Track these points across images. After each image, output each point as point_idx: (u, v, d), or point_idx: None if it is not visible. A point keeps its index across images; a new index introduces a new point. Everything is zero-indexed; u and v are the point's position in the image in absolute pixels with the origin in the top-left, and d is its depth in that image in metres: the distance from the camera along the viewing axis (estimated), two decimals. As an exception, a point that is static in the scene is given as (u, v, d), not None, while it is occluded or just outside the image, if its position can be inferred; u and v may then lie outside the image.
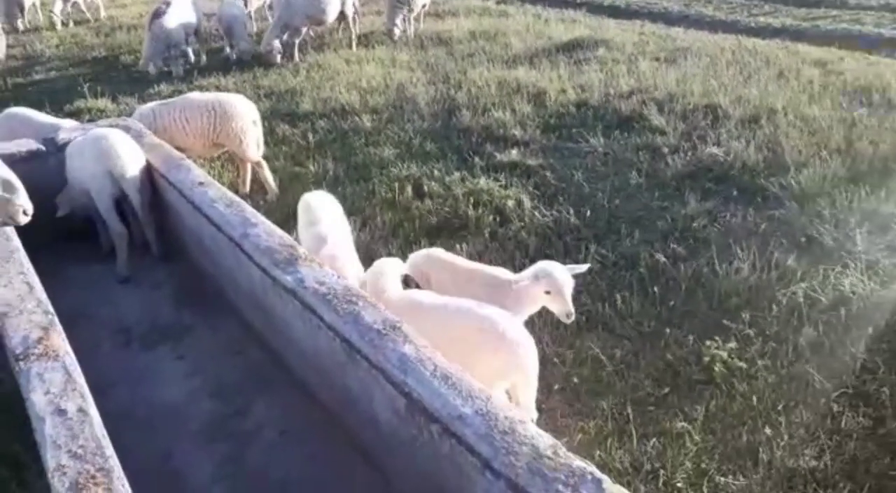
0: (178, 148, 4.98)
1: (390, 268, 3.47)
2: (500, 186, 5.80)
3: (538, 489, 1.87)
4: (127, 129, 4.96)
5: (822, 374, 3.54)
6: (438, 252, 3.81)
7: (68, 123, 5.45)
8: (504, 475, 1.95)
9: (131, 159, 4.42)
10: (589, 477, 1.88)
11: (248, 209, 3.66)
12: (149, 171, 4.51)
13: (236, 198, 3.83)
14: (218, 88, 9.54)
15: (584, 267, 3.45)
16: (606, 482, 1.87)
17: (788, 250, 4.52)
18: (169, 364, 3.83)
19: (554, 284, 3.23)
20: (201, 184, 4.02)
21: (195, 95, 6.04)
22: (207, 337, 3.97)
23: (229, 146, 5.82)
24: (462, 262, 3.75)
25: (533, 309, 3.45)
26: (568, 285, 3.26)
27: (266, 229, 3.41)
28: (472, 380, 2.28)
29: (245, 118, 5.75)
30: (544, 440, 2.00)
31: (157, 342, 4.00)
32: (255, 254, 3.25)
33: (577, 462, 1.93)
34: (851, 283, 4.11)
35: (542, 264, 3.37)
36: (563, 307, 3.25)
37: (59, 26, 13.46)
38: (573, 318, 3.29)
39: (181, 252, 4.54)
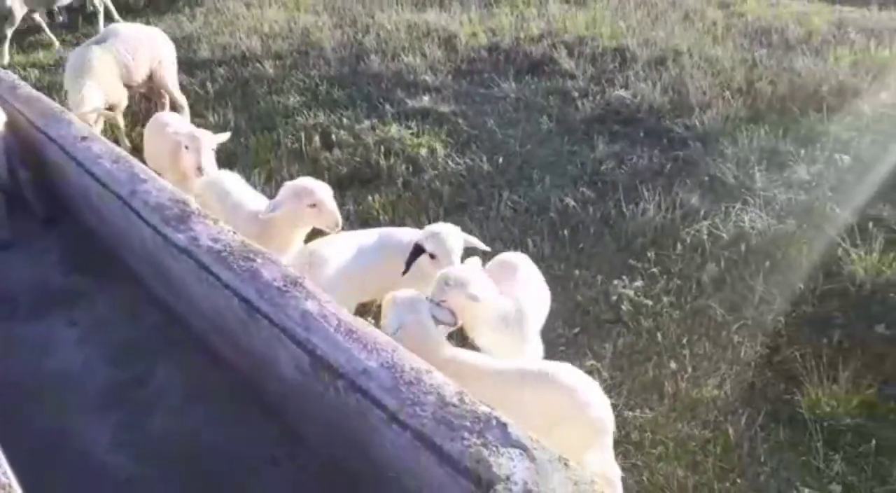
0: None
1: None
2: (412, 133, 5.67)
3: (443, 438, 1.84)
4: (-1, 80, 4.53)
5: (723, 307, 3.69)
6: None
7: None
8: (410, 426, 1.91)
9: None
10: (494, 422, 1.86)
11: (137, 164, 3.41)
12: (24, 125, 4.14)
13: (123, 153, 3.56)
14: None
15: None
16: (512, 425, 1.85)
17: (692, 190, 4.64)
18: (61, 332, 3.58)
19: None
20: (84, 138, 3.71)
21: (123, 27, 5.92)
22: (101, 302, 3.72)
23: (166, 76, 5.88)
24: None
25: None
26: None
27: (156, 185, 3.18)
28: (379, 332, 2.22)
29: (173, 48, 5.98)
30: (450, 389, 1.96)
31: (47, 310, 3.73)
32: (145, 212, 3.04)
33: (483, 408, 1.91)
34: (751, 219, 4.26)
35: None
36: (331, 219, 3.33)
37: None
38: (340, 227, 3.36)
39: (69, 213, 4.22)
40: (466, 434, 1.83)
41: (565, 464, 1.74)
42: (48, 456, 2.82)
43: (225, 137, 4.25)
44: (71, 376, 3.25)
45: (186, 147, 3.99)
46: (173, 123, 4.63)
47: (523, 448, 1.79)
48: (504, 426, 1.85)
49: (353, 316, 2.32)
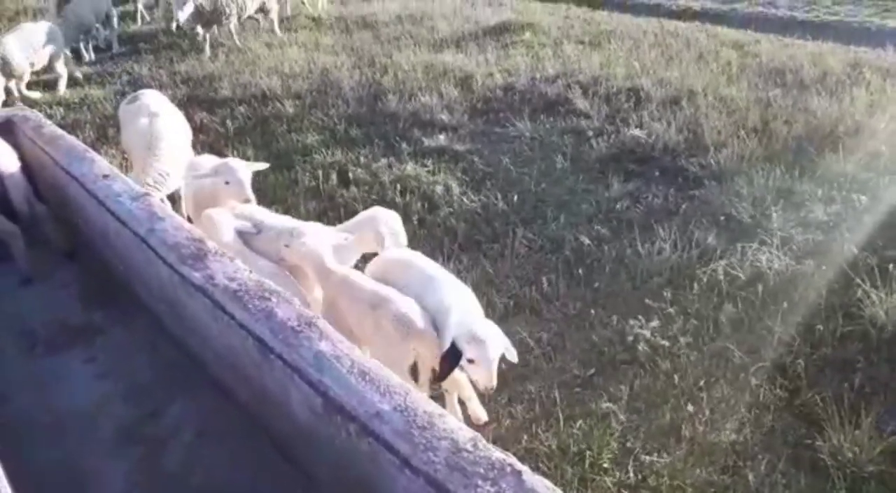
0: None
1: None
2: (428, 171, 5.72)
3: (457, 485, 1.82)
4: (25, 119, 4.65)
5: (742, 349, 3.63)
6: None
7: None
8: (423, 472, 1.89)
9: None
10: (508, 469, 1.83)
11: (156, 203, 3.47)
12: (48, 163, 4.23)
13: (142, 191, 3.62)
14: (130, 75, 9.15)
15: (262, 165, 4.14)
16: (526, 472, 1.83)
17: (708, 229, 4.62)
18: (78, 367, 3.61)
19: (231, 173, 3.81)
20: (106, 176, 3.78)
21: None
22: (118, 338, 3.76)
23: None
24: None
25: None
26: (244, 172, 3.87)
27: (173, 224, 3.23)
28: (392, 375, 2.21)
29: None
30: (463, 434, 1.94)
31: (64, 345, 3.76)
32: (162, 250, 3.08)
33: (497, 454, 1.88)
34: (768, 259, 4.22)
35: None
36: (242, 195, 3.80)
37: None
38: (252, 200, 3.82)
39: (88, 249, 4.29)
40: (480, 482, 1.80)
41: (580, 513, 1.70)
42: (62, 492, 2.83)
43: (263, 165, 4.29)
44: (87, 413, 3.27)
45: (227, 183, 3.94)
46: (203, 164, 4.56)
47: (537, 496, 1.76)
48: (518, 473, 1.82)
49: (367, 357, 2.32)
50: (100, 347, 3.73)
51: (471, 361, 2.82)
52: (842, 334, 3.65)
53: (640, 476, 3.03)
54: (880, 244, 4.25)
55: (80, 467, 2.97)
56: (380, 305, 2.99)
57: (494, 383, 2.84)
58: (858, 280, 3.91)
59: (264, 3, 10.05)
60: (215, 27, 10.60)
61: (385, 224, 3.55)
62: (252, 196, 3.89)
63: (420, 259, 3.37)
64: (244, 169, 3.93)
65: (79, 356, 3.67)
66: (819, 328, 3.70)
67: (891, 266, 3.99)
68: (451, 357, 2.77)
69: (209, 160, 4.56)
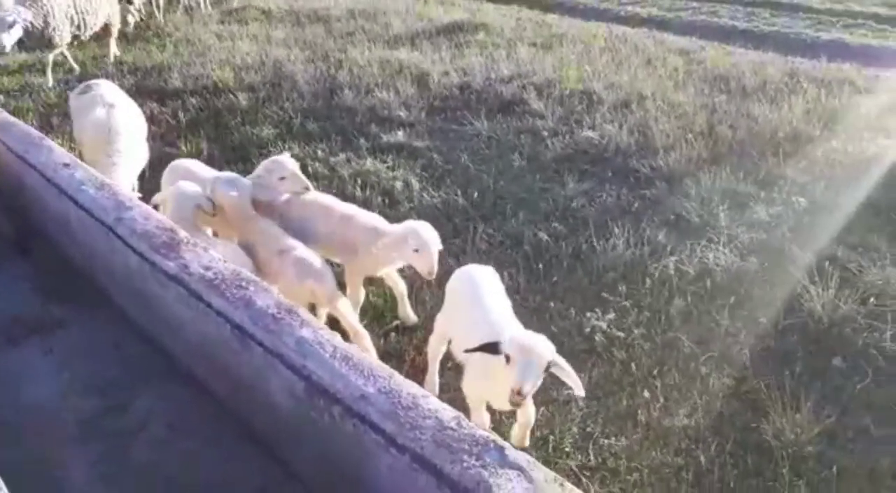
0: None
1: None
2: (388, 167, 5.78)
3: (443, 460, 1.91)
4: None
5: (691, 340, 3.83)
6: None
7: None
8: (409, 449, 1.97)
9: None
10: (492, 444, 1.94)
11: (122, 192, 3.43)
12: (3, 152, 4.12)
13: (107, 180, 3.57)
14: (71, 61, 8.87)
15: None
16: (508, 448, 1.93)
17: (659, 227, 4.83)
18: (36, 361, 3.53)
19: (420, 240, 3.51)
20: (66, 165, 3.72)
21: None
22: (79, 330, 3.68)
23: None
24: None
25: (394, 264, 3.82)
26: (434, 243, 3.54)
27: (142, 213, 3.21)
28: (374, 359, 2.28)
29: None
30: (447, 413, 2.04)
31: (20, 338, 3.67)
32: (132, 239, 3.06)
33: (481, 432, 1.98)
34: (715, 256, 4.45)
35: (411, 223, 3.70)
36: (428, 265, 3.50)
37: None
38: (434, 275, 3.55)
39: (44, 240, 4.19)
40: (465, 457, 1.90)
41: (561, 484, 1.82)
42: (26, 489, 2.77)
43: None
44: (48, 407, 3.20)
45: (283, 178, 3.93)
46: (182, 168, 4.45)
47: (520, 469, 1.87)
48: (501, 448, 1.92)
49: (348, 343, 2.39)
50: (58, 339, 3.66)
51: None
52: (783, 327, 3.90)
53: (599, 459, 3.18)
54: (818, 244, 4.53)
55: (43, 464, 2.91)
56: (285, 251, 3.48)
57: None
58: (798, 277, 4.17)
59: (109, 20, 8.72)
60: (159, 16, 10.41)
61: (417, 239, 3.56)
62: (309, 183, 3.98)
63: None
64: (292, 161, 4.03)
65: (36, 350, 3.59)
66: (762, 321, 3.94)
67: (827, 264, 4.27)
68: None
69: (190, 164, 4.47)
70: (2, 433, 2.98)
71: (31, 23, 7.34)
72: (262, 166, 4.02)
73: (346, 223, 3.84)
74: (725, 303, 4.07)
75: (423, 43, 9.25)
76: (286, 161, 4.00)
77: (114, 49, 9.07)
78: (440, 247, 3.60)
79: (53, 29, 7.64)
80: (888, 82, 7.47)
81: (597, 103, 6.92)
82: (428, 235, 3.53)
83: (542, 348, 2.65)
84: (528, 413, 3.10)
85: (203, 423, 3.02)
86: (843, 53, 9.20)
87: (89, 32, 8.27)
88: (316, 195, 4.05)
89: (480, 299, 3.15)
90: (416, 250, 3.49)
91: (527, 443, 3.18)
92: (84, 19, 8.00)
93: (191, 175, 4.14)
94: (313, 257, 3.52)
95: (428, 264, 3.47)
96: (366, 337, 3.51)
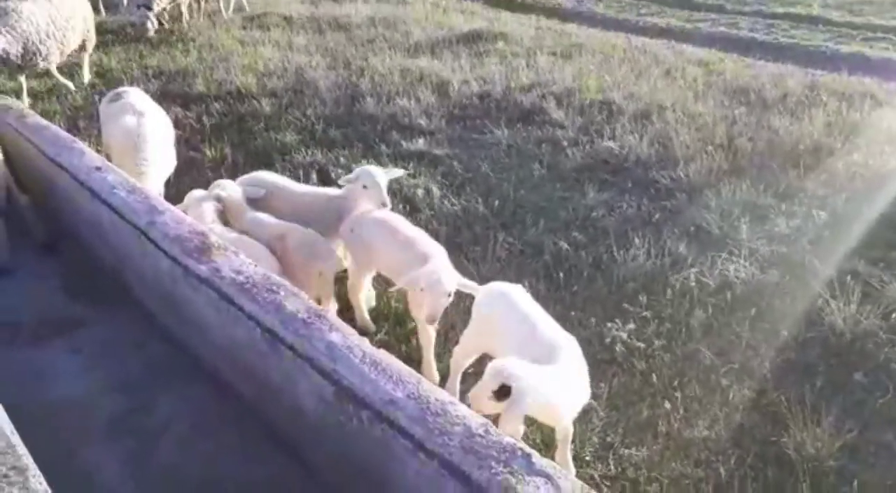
0: None
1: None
2: (409, 174, 5.82)
3: (471, 466, 1.94)
4: (6, 108, 4.61)
5: (712, 351, 3.84)
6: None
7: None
8: (438, 455, 2.00)
9: None
10: (519, 452, 1.97)
11: (154, 196, 3.51)
12: (32, 154, 4.21)
13: (138, 184, 3.65)
14: (98, 67, 9.01)
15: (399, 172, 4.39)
16: (535, 456, 1.96)
17: (680, 239, 4.84)
18: (64, 359, 3.61)
19: (369, 178, 3.92)
20: (98, 168, 3.79)
21: None
22: (105, 330, 3.76)
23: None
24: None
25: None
26: (382, 178, 3.96)
27: (174, 217, 3.28)
28: (403, 365, 2.32)
29: None
30: (476, 420, 2.07)
31: (48, 336, 3.75)
32: (164, 243, 3.12)
33: (508, 439, 2.02)
34: (735, 269, 4.45)
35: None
36: (379, 199, 3.88)
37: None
38: (388, 205, 3.93)
39: (74, 241, 4.27)
40: (493, 464, 1.93)
41: (588, 493, 1.85)
42: (54, 485, 2.82)
43: (400, 172, 4.45)
44: (75, 405, 3.27)
45: (365, 187, 4.03)
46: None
47: (547, 477, 1.90)
48: (528, 456, 1.95)
49: (376, 349, 2.43)
50: (85, 338, 3.73)
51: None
52: (804, 340, 3.90)
53: (619, 469, 3.19)
54: (839, 257, 4.53)
55: (74, 459, 2.97)
56: (285, 235, 3.68)
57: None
58: (819, 290, 4.17)
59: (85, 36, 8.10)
60: (187, 18, 10.55)
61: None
62: (388, 200, 3.99)
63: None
64: (382, 174, 4.06)
65: (64, 348, 3.66)
66: (783, 334, 3.94)
67: (848, 278, 4.27)
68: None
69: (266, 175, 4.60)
70: (34, 430, 3.04)
71: (6, 50, 6.56)
72: (354, 172, 4.15)
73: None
74: (746, 315, 4.07)
75: (442, 51, 9.32)
76: (375, 172, 4.05)
77: (86, 69, 8.52)
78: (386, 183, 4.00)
79: (35, 53, 7.03)
80: (910, 96, 7.44)
81: (617, 113, 6.94)
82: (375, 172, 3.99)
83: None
84: (565, 428, 3.11)
85: (226, 424, 3.07)
86: (863, 67, 9.16)
87: (68, 50, 7.72)
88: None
89: (528, 317, 3.17)
90: (365, 187, 3.94)
91: (571, 470, 3.12)
92: (65, 36, 7.50)
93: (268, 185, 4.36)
94: (316, 236, 3.74)
95: (378, 201, 3.88)
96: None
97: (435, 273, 3.32)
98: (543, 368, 2.76)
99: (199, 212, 3.85)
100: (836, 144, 6.08)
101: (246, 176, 4.51)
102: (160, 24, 10.38)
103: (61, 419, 3.21)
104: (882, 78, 8.42)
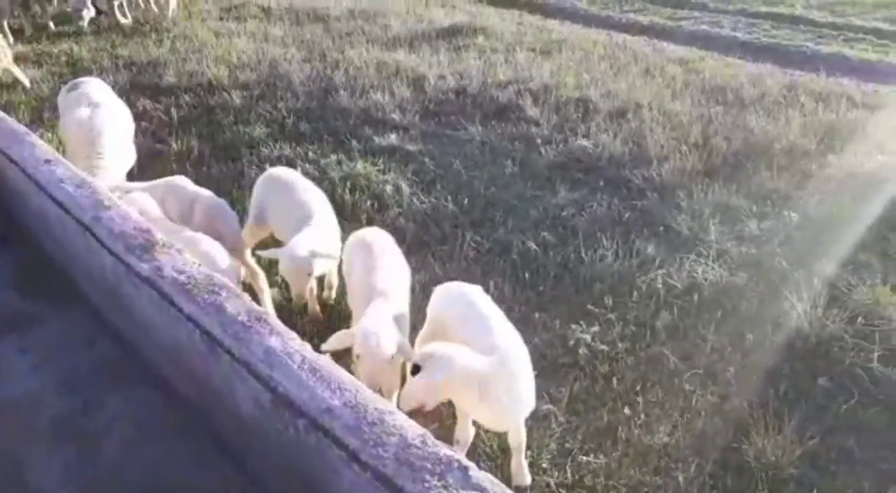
0: None
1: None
2: (379, 170, 5.73)
3: (405, 479, 1.85)
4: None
5: (676, 355, 3.78)
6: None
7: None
8: (371, 467, 1.92)
9: None
10: (455, 465, 1.88)
11: (102, 191, 3.38)
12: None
13: (87, 178, 3.52)
14: (68, 56, 8.83)
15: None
16: (473, 469, 1.88)
17: (649, 239, 4.78)
18: (11, 358, 3.48)
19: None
20: (48, 161, 3.66)
21: None
22: (55, 328, 3.63)
23: None
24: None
25: None
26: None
27: (120, 213, 3.16)
28: (343, 372, 2.22)
29: None
30: (413, 430, 1.98)
31: (-2, 334, 3.63)
32: (108, 239, 3.01)
33: (445, 451, 1.93)
34: (704, 270, 4.40)
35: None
36: None
37: None
38: None
39: (24, 236, 4.13)
40: (427, 476, 1.85)
41: (524, 509, 1.76)
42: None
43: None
44: (21, 405, 3.16)
45: None
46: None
47: (482, 491, 1.81)
48: (465, 469, 1.87)
49: (317, 354, 2.33)
50: (34, 337, 3.61)
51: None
52: (769, 344, 3.85)
53: (577, 476, 3.13)
54: (808, 260, 4.48)
55: (13, 462, 2.87)
56: (190, 244, 3.46)
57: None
58: (787, 293, 4.12)
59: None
60: (154, 8, 10.32)
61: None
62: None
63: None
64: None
65: (11, 347, 3.54)
66: (749, 337, 3.89)
67: (816, 281, 4.22)
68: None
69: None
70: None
71: None
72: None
73: None
74: (712, 318, 4.03)
75: (421, 45, 9.21)
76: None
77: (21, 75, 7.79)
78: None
79: None
80: (886, 98, 7.43)
81: (593, 112, 6.88)
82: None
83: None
84: (516, 434, 3.04)
85: (171, 427, 2.97)
86: (843, 67, 9.16)
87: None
88: None
89: (486, 319, 3.06)
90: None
91: (527, 478, 3.07)
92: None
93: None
94: (218, 250, 3.60)
95: None
96: (260, 275, 3.97)
97: (374, 335, 2.83)
98: (472, 352, 2.76)
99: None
100: (811, 146, 6.05)
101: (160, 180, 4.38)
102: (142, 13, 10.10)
103: (4, 420, 3.10)
104: (861, 79, 8.44)
